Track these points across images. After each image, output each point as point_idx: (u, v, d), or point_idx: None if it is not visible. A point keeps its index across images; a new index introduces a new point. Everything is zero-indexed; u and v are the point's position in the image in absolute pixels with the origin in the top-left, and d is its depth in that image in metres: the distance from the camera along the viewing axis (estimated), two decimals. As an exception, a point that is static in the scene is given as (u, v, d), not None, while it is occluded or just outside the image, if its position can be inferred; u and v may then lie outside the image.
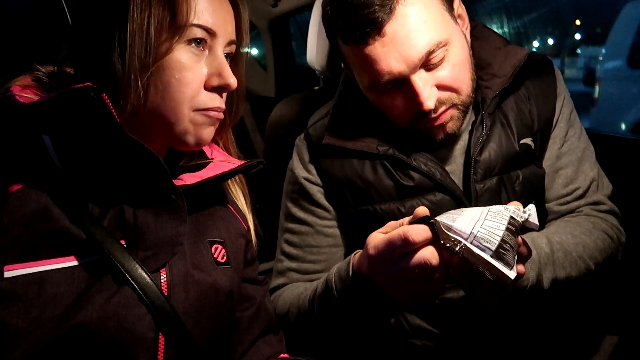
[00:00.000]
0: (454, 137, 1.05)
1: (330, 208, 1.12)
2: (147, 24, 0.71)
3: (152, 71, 0.72)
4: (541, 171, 1.09)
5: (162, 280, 0.75)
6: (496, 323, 1.06)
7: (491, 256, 0.72)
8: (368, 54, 0.94)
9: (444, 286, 0.81)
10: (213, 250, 0.84)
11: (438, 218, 0.75)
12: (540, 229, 1.01)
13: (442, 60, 0.95)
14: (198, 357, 0.76)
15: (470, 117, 1.08)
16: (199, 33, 0.75)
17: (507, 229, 0.73)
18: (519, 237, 0.77)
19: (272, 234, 1.17)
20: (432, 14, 0.94)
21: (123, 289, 0.71)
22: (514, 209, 0.77)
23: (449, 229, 0.73)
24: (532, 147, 1.07)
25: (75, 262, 0.70)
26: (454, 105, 0.99)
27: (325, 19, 1.01)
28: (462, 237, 0.73)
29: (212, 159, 0.89)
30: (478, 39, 1.11)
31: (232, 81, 0.79)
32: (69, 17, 0.83)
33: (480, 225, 0.73)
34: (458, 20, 1.01)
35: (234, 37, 0.82)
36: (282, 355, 0.94)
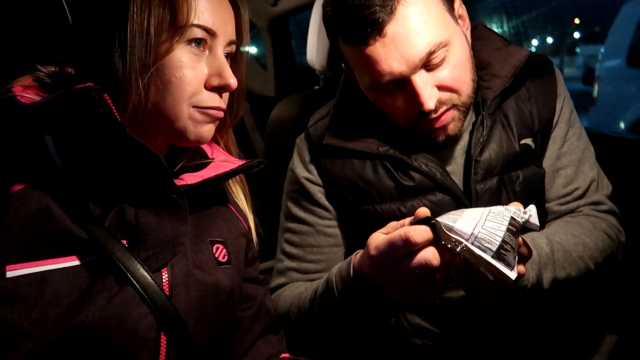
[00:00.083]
0: (455, 138, 1.05)
1: (331, 208, 1.13)
2: (147, 24, 0.71)
3: (152, 71, 0.72)
4: (541, 171, 1.09)
5: (163, 280, 0.75)
6: (496, 322, 1.06)
7: (492, 257, 0.72)
8: (369, 54, 0.94)
9: (444, 286, 0.81)
10: (214, 250, 0.84)
11: (439, 219, 0.75)
12: (540, 229, 1.01)
13: (442, 60, 0.95)
14: (199, 356, 0.76)
15: (471, 117, 1.08)
16: (199, 33, 0.75)
17: (508, 229, 0.74)
18: (520, 237, 0.78)
19: (272, 233, 1.17)
20: (433, 14, 0.94)
21: (125, 289, 0.71)
22: (514, 210, 0.77)
23: (450, 229, 0.74)
24: (533, 147, 1.07)
25: (77, 262, 0.70)
26: (454, 106, 0.99)
27: (326, 19, 1.01)
28: (463, 237, 0.73)
29: (213, 158, 0.90)
30: (479, 39, 1.11)
31: (232, 81, 0.79)
32: (69, 17, 0.83)
33: (481, 226, 0.73)
34: (459, 21, 1.01)
35: (234, 37, 0.82)
36: (283, 355, 0.94)
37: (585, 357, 1.21)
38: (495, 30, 1.18)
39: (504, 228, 0.74)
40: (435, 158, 1.05)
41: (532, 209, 0.79)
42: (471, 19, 1.07)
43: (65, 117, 0.70)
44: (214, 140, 0.92)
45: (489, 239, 0.72)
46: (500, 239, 0.72)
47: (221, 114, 0.81)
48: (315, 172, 1.13)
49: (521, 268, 0.79)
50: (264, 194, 1.12)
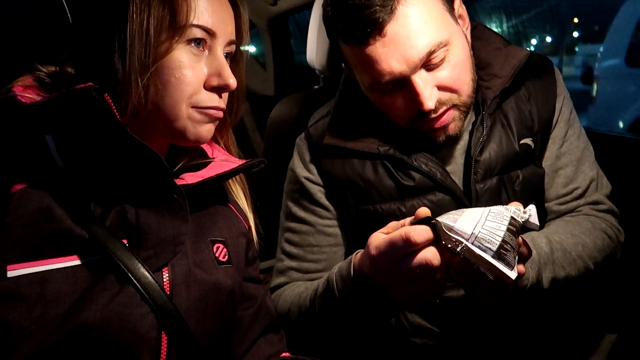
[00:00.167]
0: (455, 138, 1.05)
1: (331, 207, 1.13)
2: (146, 25, 0.71)
3: (152, 71, 0.72)
4: (541, 171, 1.09)
5: (164, 280, 0.75)
6: (496, 322, 1.06)
7: (492, 256, 0.72)
8: (369, 54, 0.94)
9: (445, 286, 0.81)
10: (215, 250, 0.84)
11: (439, 219, 0.76)
12: (540, 228, 1.02)
13: (442, 60, 0.95)
14: (200, 356, 0.76)
15: (471, 117, 1.08)
16: (198, 33, 0.75)
17: (508, 229, 0.74)
18: (519, 237, 0.78)
19: (272, 233, 1.17)
20: (433, 14, 0.94)
21: (125, 289, 0.71)
22: (514, 210, 0.77)
23: (451, 229, 0.74)
24: (532, 147, 1.07)
25: (77, 262, 0.70)
26: (454, 106, 1.00)
27: (326, 19, 1.01)
28: (463, 237, 0.73)
29: (213, 158, 0.90)
30: (478, 39, 1.11)
31: (232, 81, 0.79)
32: (69, 17, 0.83)
33: (481, 225, 0.73)
34: (459, 21, 1.02)
35: (234, 37, 0.82)
36: (283, 354, 0.94)
37: (585, 356, 1.21)
38: (495, 29, 1.18)
39: (504, 228, 0.74)
40: (435, 158, 1.05)
41: (532, 208, 0.80)
42: (471, 18, 1.07)
43: (66, 117, 0.70)
44: (214, 140, 0.92)
45: (489, 239, 0.72)
46: (500, 239, 0.73)
47: (220, 114, 0.81)
48: (315, 171, 1.13)
49: (521, 268, 0.79)
50: (264, 193, 1.12)
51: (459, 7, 1.03)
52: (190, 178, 0.82)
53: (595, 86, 5.10)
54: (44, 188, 0.70)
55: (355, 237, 1.12)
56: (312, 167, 1.13)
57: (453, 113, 1.00)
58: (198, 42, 0.76)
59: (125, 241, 0.74)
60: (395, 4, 0.91)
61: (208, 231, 0.85)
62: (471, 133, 1.06)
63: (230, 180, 0.95)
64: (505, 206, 0.78)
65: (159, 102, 0.75)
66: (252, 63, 2.49)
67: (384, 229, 0.84)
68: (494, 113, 1.06)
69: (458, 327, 1.08)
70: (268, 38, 2.31)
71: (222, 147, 0.93)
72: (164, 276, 0.76)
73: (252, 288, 0.93)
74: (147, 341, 0.71)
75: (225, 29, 0.79)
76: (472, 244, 0.73)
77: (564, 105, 1.12)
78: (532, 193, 1.07)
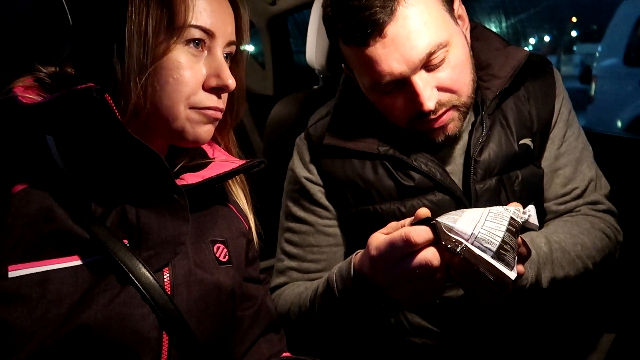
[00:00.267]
0: (454, 138, 1.05)
1: (331, 208, 1.13)
2: (145, 25, 0.71)
3: (150, 72, 0.72)
4: (540, 171, 1.09)
5: (165, 280, 0.76)
6: (495, 321, 1.07)
7: (492, 257, 0.72)
8: (369, 55, 0.94)
9: (445, 286, 0.82)
10: (215, 250, 0.84)
11: (439, 219, 0.76)
12: (539, 228, 1.02)
13: (442, 61, 0.95)
14: (201, 356, 0.76)
15: (470, 117, 1.09)
16: (197, 34, 0.75)
17: (508, 229, 0.74)
18: (519, 237, 0.78)
19: (272, 232, 1.17)
20: (433, 15, 0.94)
21: (126, 289, 0.71)
22: (514, 210, 0.78)
23: (450, 230, 0.74)
24: (531, 147, 1.08)
25: (78, 262, 0.70)
26: (454, 107, 1.00)
27: (326, 20, 1.01)
28: (463, 238, 0.73)
29: (214, 158, 0.90)
30: (478, 39, 1.11)
31: (231, 82, 0.79)
32: (69, 17, 0.83)
33: (481, 226, 0.74)
34: (458, 21, 1.02)
35: (233, 37, 0.82)
36: (284, 354, 0.94)
37: (584, 356, 1.22)
38: (494, 28, 1.18)
39: (504, 228, 0.74)
40: (435, 158, 1.06)
41: (531, 209, 0.80)
42: (470, 18, 1.07)
43: (67, 117, 0.70)
44: (215, 140, 0.92)
45: (488, 239, 0.73)
46: (500, 239, 0.73)
47: (219, 115, 0.81)
48: (315, 171, 1.13)
49: (520, 268, 0.79)
50: (264, 193, 1.12)
51: (459, 8, 1.03)
52: (190, 178, 0.82)
53: (593, 85, 5.11)
54: (44, 188, 0.70)
55: (355, 237, 1.12)
56: (312, 167, 1.13)
57: (452, 114, 1.00)
58: (197, 42, 0.76)
59: (126, 241, 0.74)
60: (395, 5, 0.91)
61: (208, 231, 0.85)
62: (471, 133, 1.06)
63: (230, 181, 0.95)
64: (504, 207, 0.78)
65: (158, 103, 0.75)
66: (250, 62, 2.49)
67: (383, 230, 0.84)
68: (493, 113, 1.07)
69: (458, 327, 1.08)
70: (267, 38, 2.31)
71: (222, 148, 0.93)
72: (165, 276, 0.76)
73: (252, 288, 0.93)
74: (148, 341, 0.71)
75: (225, 30, 0.79)
76: (472, 244, 0.73)
77: (563, 106, 1.12)
78: (531, 193, 1.07)
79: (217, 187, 0.92)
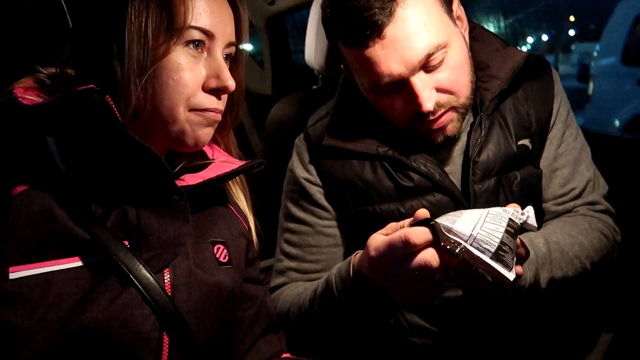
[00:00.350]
0: (453, 139, 1.05)
1: (330, 208, 1.13)
2: (144, 27, 0.72)
3: (150, 73, 0.72)
4: (538, 172, 1.10)
5: (165, 281, 0.76)
6: (494, 321, 1.07)
7: (490, 258, 0.73)
8: (368, 56, 0.94)
9: (444, 287, 0.82)
10: (215, 251, 0.85)
11: (438, 220, 0.76)
12: (538, 229, 1.02)
13: (441, 62, 0.96)
14: (201, 356, 0.77)
15: (469, 118, 1.09)
16: (196, 35, 0.75)
17: (506, 231, 0.74)
18: (517, 238, 0.79)
19: (271, 231, 1.18)
20: (432, 16, 0.94)
21: (127, 290, 0.72)
22: (512, 211, 0.78)
23: (449, 231, 0.74)
24: (530, 148, 1.08)
25: (79, 263, 0.70)
26: (453, 108, 1.00)
27: (325, 21, 1.01)
28: (462, 239, 0.74)
29: (213, 159, 0.90)
30: (477, 40, 1.12)
31: (230, 83, 0.79)
32: (69, 19, 0.83)
33: (479, 227, 0.74)
34: (457, 22, 1.02)
35: (233, 39, 0.82)
36: (284, 355, 0.95)
37: (582, 355, 1.22)
38: (492, 28, 1.19)
39: (502, 229, 0.74)
40: (433, 159, 1.06)
41: (529, 210, 0.80)
42: (468, 17, 1.08)
43: (67, 118, 0.70)
44: (214, 141, 0.92)
45: (487, 240, 0.73)
46: (498, 241, 0.73)
47: (219, 117, 0.81)
48: (314, 172, 1.13)
49: (519, 269, 0.80)
50: (263, 193, 1.12)
51: (458, 9, 1.03)
52: (190, 179, 0.83)
53: (591, 85, 5.11)
54: (45, 190, 0.70)
55: (354, 238, 1.12)
56: (312, 168, 1.13)
57: (451, 115, 1.01)
58: (196, 43, 0.76)
59: (126, 242, 0.74)
60: (394, 7, 0.91)
61: (208, 232, 0.85)
62: (469, 134, 1.06)
63: (230, 181, 0.95)
64: (503, 208, 0.79)
65: (158, 104, 0.75)
66: (249, 62, 2.49)
67: (383, 230, 0.84)
68: (492, 114, 1.07)
69: (456, 327, 1.09)
70: (266, 37, 2.31)
71: (222, 149, 0.93)
72: (165, 277, 0.76)
73: (252, 289, 0.93)
74: (148, 342, 0.72)
75: (225, 31, 0.79)
76: (471, 245, 0.73)
77: (561, 107, 1.13)
78: (529, 194, 1.08)
79: (217, 187, 0.92)
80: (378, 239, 0.81)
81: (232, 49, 0.83)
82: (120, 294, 0.71)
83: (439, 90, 0.97)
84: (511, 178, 1.06)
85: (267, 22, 2.27)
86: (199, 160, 0.89)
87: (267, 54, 2.36)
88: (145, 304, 0.72)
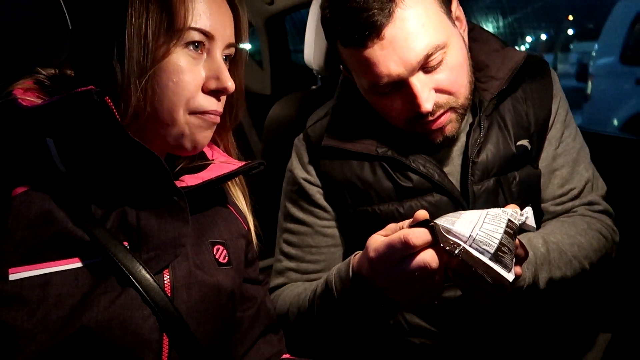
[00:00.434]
0: (452, 139, 1.06)
1: (330, 209, 1.13)
2: (144, 28, 0.72)
3: (150, 75, 0.72)
4: (537, 172, 1.10)
5: (165, 282, 0.76)
6: (493, 321, 1.07)
7: (490, 259, 0.73)
8: (367, 57, 0.94)
9: (443, 288, 0.82)
10: (215, 251, 0.85)
11: (437, 221, 0.76)
12: (536, 229, 1.03)
13: (440, 63, 0.96)
14: (201, 357, 0.77)
15: (468, 118, 1.09)
16: (196, 36, 0.75)
17: (506, 232, 0.75)
18: (516, 239, 0.79)
19: (270, 231, 1.18)
20: (431, 17, 0.94)
21: (127, 291, 0.72)
22: (511, 212, 0.78)
23: (449, 232, 0.75)
24: (529, 148, 1.08)
25: (79, 264, 0.70)
26: (451, 109, 1.00)
27: (324, 22, 1.01)
28: (461, 240, 0.74)
29: (213, 160, 0.90)
30: (476, 40, 1.12)
31: (230, 84, 0.79)
32: (68, 20, 0.83)
33: (479, 228, 0.74)
34: (456, 23, 1.02)
35: (232, 40, 0.82)
36: (284, 356, 0.95)
37: (580, 355, 1.22)
38: (490, 27, 1.19)
39: (502, 230, 0.75)
40: (433, 159, 1.06)
41: (528, 211, 0.81)
42: (467, 17, 1.08)
43: (67, 120, 0.70)
44: (214, 141, 0.92)
45: (486, 242, 0.73)
46: (497, 242, 0.73)
47: (217, 119, 0.81)
48: (314, 173, 1.13)
49: (518, 269, 0.80)
50: (262, 192, 1.12)
51: (457, 10, 1.04)
52: (190, 180, 0.83)
53: (590, 84, 5.12)
54: (45, 191, 0.70)
55: (353, 238, 1.12)
56: (311, 169, 1.13)
57: (450, 116, 1.01)
58: (196, 45, 0.76)
59: (126, 243, 0.74)
60: (393, 7, 0.91)
61: (208, 233, 0.85)
62: (468, 134, 1.06)
63: (229, 182, 0.95)
64: (502, 209, 0.79)
65: (157, 106, 0.75)
66: (248, 61, 2.49)
67: (382, 231, 0.84)
68: (491, 115, 1.07)
69: (456, 327, 1.09)
70: (265, 37, 2.31)
71: (221, 149, 0.93)
72: (165, 278, 0.76)
73: (251, 289, 0.94)
74: (148, 343, 0.72)
75: (224, 32, 0.79)
76: (470, 246, 0.74)
77: (560, 107, 1.13)
78: (528, 194, 1.08)
79: (217, 188, 0.92)
80: (377, 240, 0.82)
81: (232, 50, 0.83)
82: (120, 295, 0.71)
83: (437, 90, 0.98)
84: (510, 178, 1.06)
85: (266, 22, 2.26)
86: (199, 161, 0.89)
87: (266, 53, 2.36)
88: (145, 305, 0.72)
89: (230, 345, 0.89)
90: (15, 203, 0.68)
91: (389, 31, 0.92)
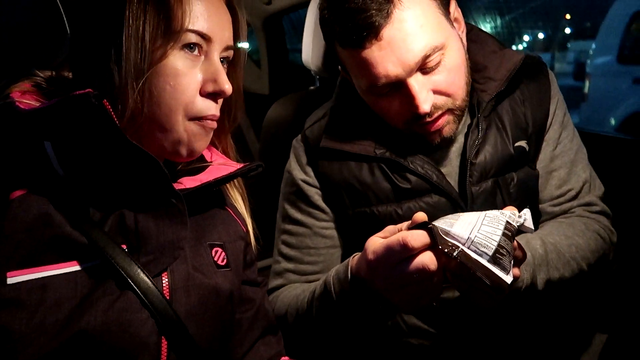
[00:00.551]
0: (450, 140, 1.06)
1: (328, 210, 1.13)
2: (142, 30, 0.71)
3: (147, 77, 0.72)
4: (535, 173, 1.10)
5: (163, 285, 0.76)
6: (491, 322, 1.08)
7: (488, 261, 0.73)
8: (365, 57, 0.94)
9: (442, 290, 0.82)
10: (213, 254, 0.84)
11: (436, 223, 0.76)
12: (534, 230, 1.03)
13: (438, 64, 0.96)
14: (200, 359, 0.77)
15: (466, 120, 1.09)
16: (193, 38, 0.75)
17: (504, 234, 0.75)
18: (514, 241, 0.79)
19: (268, 231, 1.17)
20: (429, 18, 0.94)
21: (125, 294, 0.72)
22: (509, 214, 0.78)
23: (447, 234, 0.75)
24: (527, 149, 1.08)
25: (77, 267, 0.70)
26: (449, 110, 1.00)
27: (323, 22, 1.01)
28: (459, 242, 0.74)
29: (211, 162, 0.90)
30: (474, 42, 1.12)
31: (227, 87, 0.79)
32: (66, 23, 0.83)
33: (477, 230, 0.74)
34: (454, 24, 1.02)
35: (231, 42, 0.82)
36: (283, 358, 0.95)
37: (577, 356, 1.23)
38: (488, 27, 1.19)
39: (500, 232, 0.75)
40: (431, 160, 1.06)
41: (526, 212, 0.81)
42: (464, 16, 1.07)
43: (65, 122, 0.70)
44: (212, 143, 0.92)
45: (485, 244, 0.73)
46: (496, 244, 0.73)
47: (215, 125, 0.81)
48: (312, 174, 1.13)
49: (516, 271, 0.80)
50: (260, 194, 1.12)
51: (455, 11, 1.03)
52: (188, 182, 0.83)
53: (587, 83, 5.13)
54: (43, 194, 0.70)
55: (352, 239, 1.12)
56: (309, 170, 1.13)
57: (448, 117, 1.01)
58: (193, 47, 0.76)
59: (124, 246, 0.74)
60: (391, 8, 0.91)
61: (206, 235, 0.85)
62: (466, 136, 1.06)
63: (228, 184, 0.95)
64: (500, 211, 0.79)
65: (155, 109, 0.75)
66: (246, 61, 2.48)
67: (381, 233, 0.84)
68: (489, 116, 1.07)
69: (454, 328, 1.09)
70: (263, 37, 2.31)
71: (220, 151, 0.93)
72: (164, 281, 0.76)
73: (250, 291, 0.93)
74: (147, 346, 0.72)
75: (222, 34, 0.79)
76: (469, 248, 0.74)
77: (557, 108, 1.13)
78: (526, 195, 1.08)
79: (215, 190, 0.92)
80: (376, 242, 0.82)
81: (230, 53, 0.83)
82: (118, 298, 0.71)
83: (435, 92, 0.98)
84: (508, 179, 1.06)
85: (264, 21, 2.26)
86: (197, 163, 0.89)
87: (264, 53, 2.35)
88: (144, 308, 0.72)
89: (229, 347, 0.89)
90: (13, 206, 0.68)
91: (387, 32, 0.92)
